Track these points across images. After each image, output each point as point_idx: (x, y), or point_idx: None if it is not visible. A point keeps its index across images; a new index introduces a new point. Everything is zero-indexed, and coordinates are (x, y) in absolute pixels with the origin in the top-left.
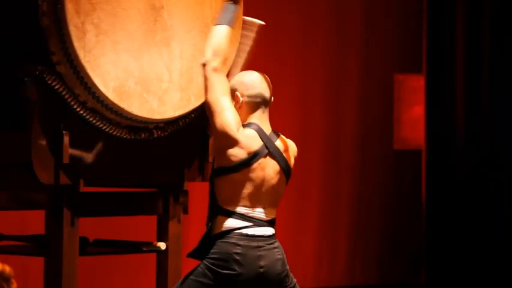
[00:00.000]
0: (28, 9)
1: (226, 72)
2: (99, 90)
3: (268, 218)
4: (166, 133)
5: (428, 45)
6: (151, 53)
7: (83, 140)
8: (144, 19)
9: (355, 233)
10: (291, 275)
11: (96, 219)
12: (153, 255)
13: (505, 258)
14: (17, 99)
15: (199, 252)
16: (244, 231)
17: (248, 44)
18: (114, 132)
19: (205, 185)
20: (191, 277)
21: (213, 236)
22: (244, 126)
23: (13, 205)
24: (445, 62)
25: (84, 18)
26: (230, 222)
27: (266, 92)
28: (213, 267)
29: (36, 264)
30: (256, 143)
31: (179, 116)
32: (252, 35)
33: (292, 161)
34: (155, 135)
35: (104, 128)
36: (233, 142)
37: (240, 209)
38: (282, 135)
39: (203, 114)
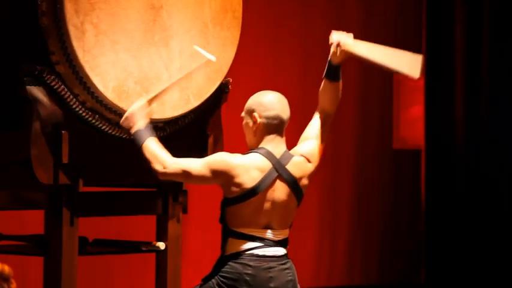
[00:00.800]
0: (27, 9)
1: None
2: (98, 90)
3: (278, 239)
4: (165, 133)
5: (428, 44)
6: (150, 53)
7: (82, 139)
8: (143, 19)
9: (354, 233)
10: None
11: (96, 219)
12: (153, 255)
13: (504, 258)
14: (16, 98)
15: (212, 276)
16: (255, 251)
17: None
18: (114, 132)
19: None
20: None
21: (225, 257)
22: (253, 151)
23: (12, 205)
24: (444, 61)
25: (83, 18)
26: (241, 244)
27: (284, 114)
28: (223, 286)
29: (36, 264)
30: (263, 167)
31: (178, 115)
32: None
33: (305, 183)
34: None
35: (103, 127)
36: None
37: (250, 231)
38: (296, 157)
39: (202, 114)
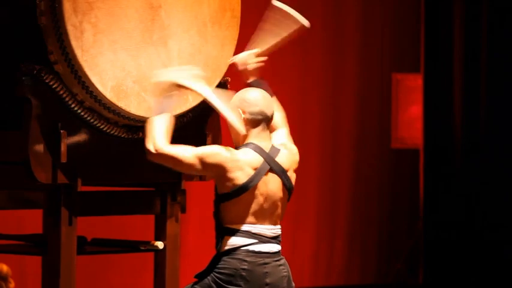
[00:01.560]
0: (26, 8)
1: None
2: (96, 89)
3: (272, 235)
4: None
5: (426, 44)
6: (149, 52)
7: (80, 139)
8: (142, 18)
9: (352, 232)
10: None
11: (94, 219)
12: (151, 255)
13: (503, 258)
14: (15, 98)
15: (207, 273)
16: (250, 248)
17: (282, 34)
18: (112, 131)
19: (203, 184)
20: (196, 286)
21: (220, 253)
22: (243, 146)
23: (11, 204)
24: (442, 61)
25: (81, 17)
26: (236, 240)
27: (267, 109)
28: (219, 282)
29: (34, 263)
30: (255, 161)
31: (177, 115)
32: (291, 29)
33: (293, 176)
34: None
35: (101, 127)
36: (229, 165)
37: (245, 227)
38: (282, 149)
39: (201, 113)
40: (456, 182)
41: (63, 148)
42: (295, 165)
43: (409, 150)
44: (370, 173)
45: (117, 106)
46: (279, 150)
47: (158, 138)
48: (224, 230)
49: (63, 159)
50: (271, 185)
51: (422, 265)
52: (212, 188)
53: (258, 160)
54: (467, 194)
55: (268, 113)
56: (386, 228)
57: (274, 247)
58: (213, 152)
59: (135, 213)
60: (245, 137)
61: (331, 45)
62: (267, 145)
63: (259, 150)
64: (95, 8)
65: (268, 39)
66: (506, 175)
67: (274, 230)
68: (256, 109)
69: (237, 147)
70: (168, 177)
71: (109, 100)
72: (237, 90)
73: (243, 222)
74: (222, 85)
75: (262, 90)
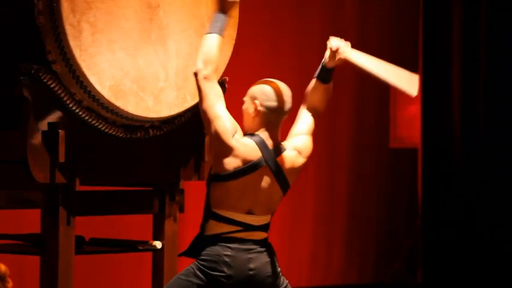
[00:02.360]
0: (24, 7)
1: (217, 79)
2: (94, 89)
3: (260, 224)
4: (162, 132)
5: (425, 43)
6: (147, 52)
7: (78, 138)
8: (140, 18)
9: (350, 232)
10: (283, 277)
11: (92, 218)
12: (149, 254)
13: (503, 258)
14: (13, 98)
15: (191, 252)
16: (235, 235)
17: (389, 78)
18: (110, 131)
19: (201, 184)
20: (181, 277)
21: (205, 238)
22: (247, 135)
23: (9, 204)
24: (441, 60)
25: (80, 17)
26: (221, 226)
27: (285, 106)
28: (204, 269)
29: (32, 263)
30: (253, 154)
31: (175, 114)
32: (398, 84)
33: (293, 175)
34: (151, 134)
35: (99, 126)
36: (228, 149)
37: (232, 215)
38: (289, 151)
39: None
40: (455, 181)
41: (61, 148)
42: (298, 166)
43: (408, 150)
44: (368, 173)
45: (115, 106)
46: (284, 149)
47: (213, 64)
48: (211, 214)
49: (61, 159)
50: (264, 181)
51: (421, 265)
52: None
53: (255, 154)
54: (467, 194)
55: (285, 110)
56: (385, 227)
57: (261, 235)
58: (226, 130)
59: (134, 213)
60: (255, 126)
61: None
62: (273, 142)
63: (262, 145)
64: (93, 7)
65: (378, 69)
66: (506, 175)
67: (262, 220)
68: (273, 105)
69: (245, 134)
70: (166, 177)
71: (107, 100)
72: (234, 89)
73: (229, 209)
74: (220, 85)
75: (284, 84)
